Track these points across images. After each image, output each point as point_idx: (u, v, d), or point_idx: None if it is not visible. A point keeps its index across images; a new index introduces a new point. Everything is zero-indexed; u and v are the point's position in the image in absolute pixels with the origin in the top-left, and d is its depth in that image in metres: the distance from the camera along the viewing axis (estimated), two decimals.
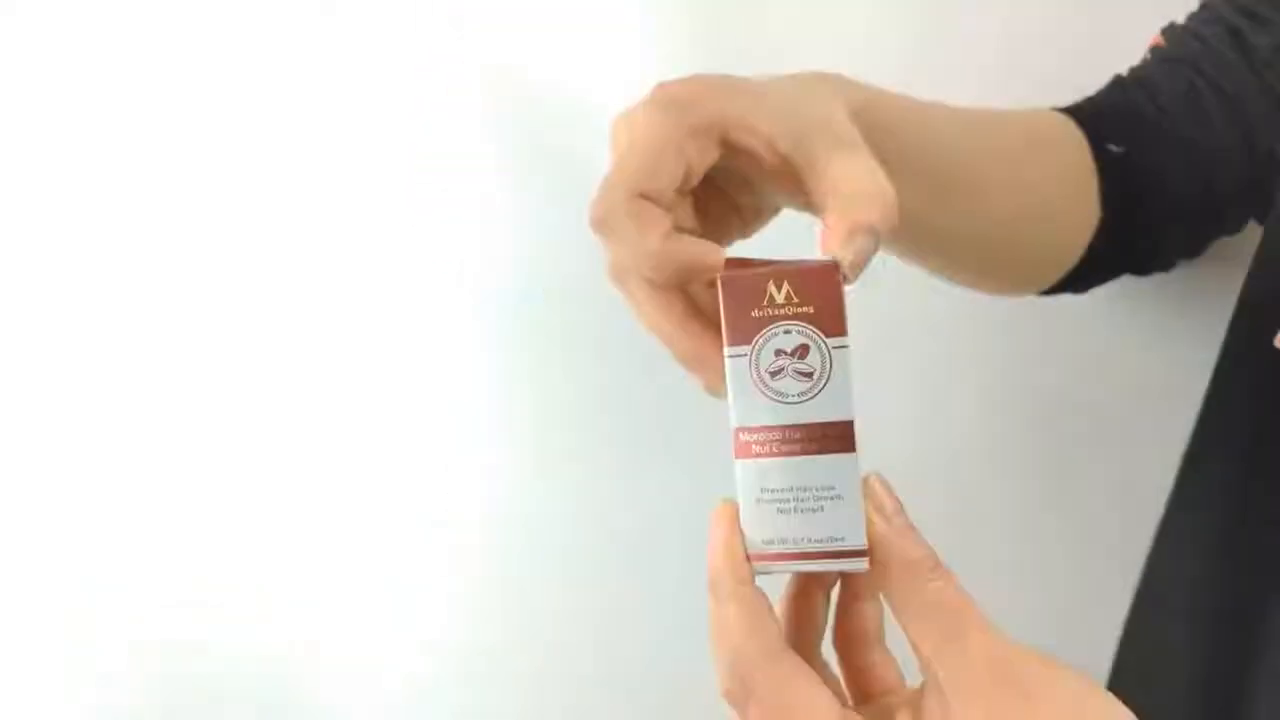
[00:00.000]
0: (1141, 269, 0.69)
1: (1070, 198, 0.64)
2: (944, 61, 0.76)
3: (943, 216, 0.57)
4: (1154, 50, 0.68)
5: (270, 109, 0.80)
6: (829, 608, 0.45)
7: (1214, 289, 0.71)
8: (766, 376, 0.42)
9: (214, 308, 0.82)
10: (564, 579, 0.85)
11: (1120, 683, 0.63)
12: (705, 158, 0.45)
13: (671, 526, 0.81)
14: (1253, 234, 0.68)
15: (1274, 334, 0.54)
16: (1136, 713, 0.39)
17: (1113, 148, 0.65)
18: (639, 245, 0.43)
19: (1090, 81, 0.69)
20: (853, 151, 0.45)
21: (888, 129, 0.51)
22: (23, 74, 0.80)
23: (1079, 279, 0.67)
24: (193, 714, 0.87)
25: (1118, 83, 0.68)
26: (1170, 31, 0.68)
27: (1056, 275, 0.67)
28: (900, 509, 0.42)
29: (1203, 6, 0.68)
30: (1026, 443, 0.83)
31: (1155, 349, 0.79)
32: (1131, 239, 0.66)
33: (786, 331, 0.42)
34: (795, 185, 0.46)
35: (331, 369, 0.83)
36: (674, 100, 0.45)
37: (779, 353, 0.42)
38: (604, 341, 0.79)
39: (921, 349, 0.79)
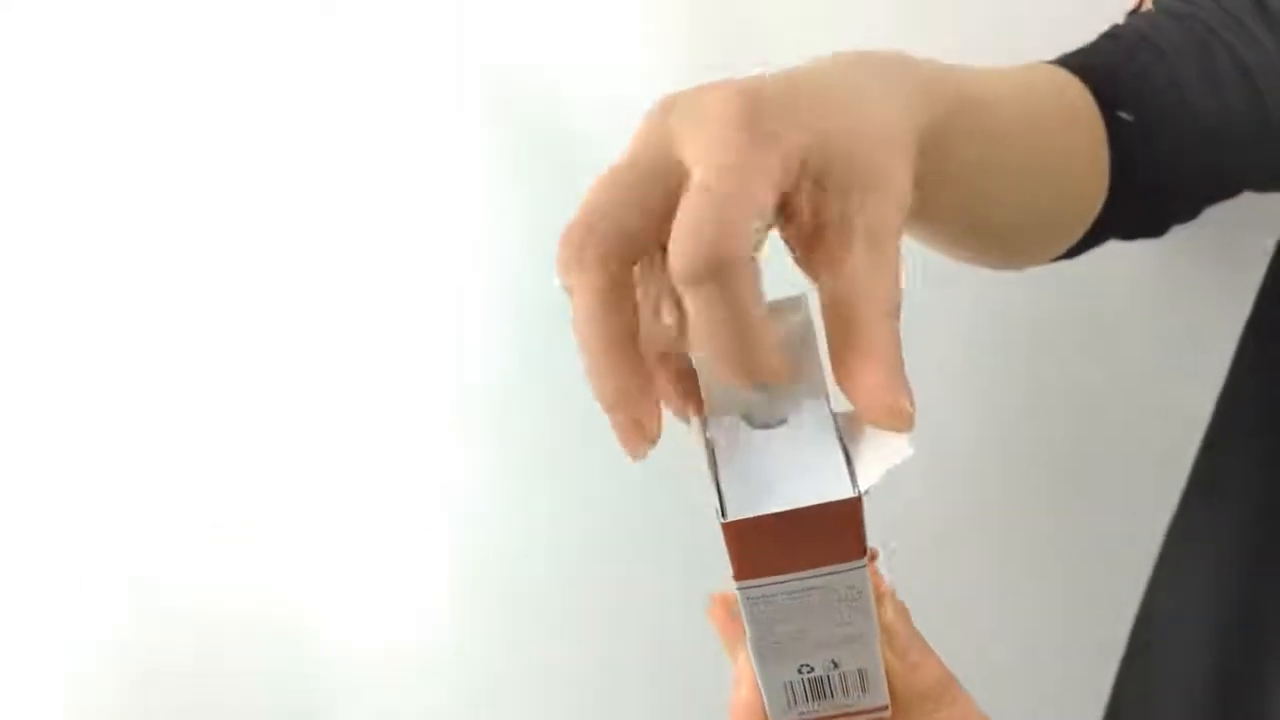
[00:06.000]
0: (1132, 235, 0.65)
1: (1091, 164, 0.60)
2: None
3: (994, 203, 0.54)
4: (1156, 1, 0.64)
5: (269, 108, 0.80)
6: None
7: (1228, 283, 0.70)
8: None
9: (209, 306, 0.82)
10: (562, 579, 0.85)
11: (1131, 674, 0.63)
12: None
13: (669, 526, 0.80)
14: (1267, 216, 0.67)
15: None
16: (1148, 707, 0.39)
17: (1124, 115, 0.60)
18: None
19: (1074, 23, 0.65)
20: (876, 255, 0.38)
21: (967, 140, 0.47)
22: (20, 73, 0.79)
23: (1077, 247, 0.64)
24: (186, 701, 0.87)
25: (1115, 36, 0.63)
26: None
27: (1068, 243, 0.63)
28: (913, 638, 0.41)
29: None
30: (1037, 436, 0.83)
31: (1172, 340, 0.78)
32: (1134, 208, 0.62)
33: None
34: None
35: (328, 366, 0.83)
36: (765, 113, 0.37)
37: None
38: None
39: (929, 340, 0.78)
